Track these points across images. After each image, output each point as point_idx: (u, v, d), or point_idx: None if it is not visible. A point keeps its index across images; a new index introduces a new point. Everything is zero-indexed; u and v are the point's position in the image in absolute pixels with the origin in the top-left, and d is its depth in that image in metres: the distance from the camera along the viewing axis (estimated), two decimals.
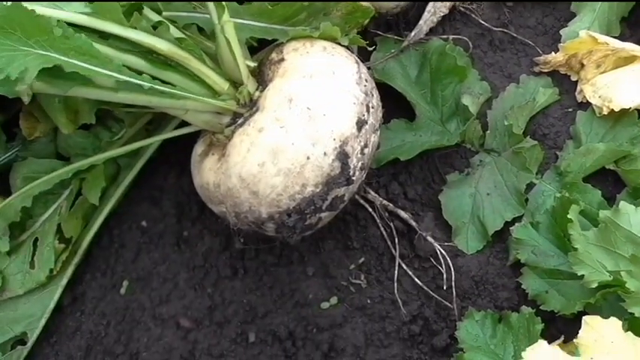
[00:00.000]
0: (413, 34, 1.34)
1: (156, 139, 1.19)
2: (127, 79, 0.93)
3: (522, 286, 1.14)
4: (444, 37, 1.34)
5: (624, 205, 1.03)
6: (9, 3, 0.83)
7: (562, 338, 1.06)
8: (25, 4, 0.85)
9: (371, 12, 1.17)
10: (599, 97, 1.24)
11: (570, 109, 1.31)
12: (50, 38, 0.86)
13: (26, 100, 0.94)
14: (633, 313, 0.95)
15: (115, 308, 1.24)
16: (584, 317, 0.93)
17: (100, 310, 1.24)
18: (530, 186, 1.22)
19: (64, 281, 1.23)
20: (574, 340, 0.92)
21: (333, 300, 1.20)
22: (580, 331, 0.92)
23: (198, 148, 1.14)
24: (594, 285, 1.00)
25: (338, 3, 1.12)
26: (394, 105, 1.30)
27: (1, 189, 1.25)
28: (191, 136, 1.15)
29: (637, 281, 0.93)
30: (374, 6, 1.29)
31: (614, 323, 0.92)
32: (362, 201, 1.21)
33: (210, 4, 1.01)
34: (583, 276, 1.01)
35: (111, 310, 1.24)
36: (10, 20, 0.84)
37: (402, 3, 1.32)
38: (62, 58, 0.87)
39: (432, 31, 1.36)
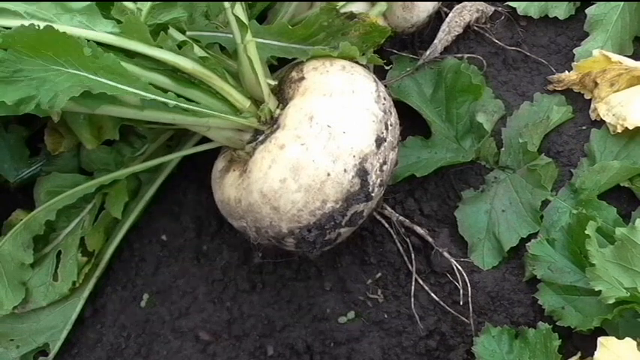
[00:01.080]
0: (428, 52, 1.36)
1: (177, 155, 1.22)
2: (153, 96, 0.95)
3: (538, 302, 1.15)
4: (459, 55, 1.37)
5: None
6: (41, 25, 0.86)
7: (579, 354, 1.06)
8: (55, 25, 0.87)
9: (387, 32, 1.19)
10: (613, 115, 1.26)
11: (584, 127, 1.32)
12: (80, 57, 0.89)
13: (56, 119, 0.96)
14: None
15: (135, 321, 1.25)
16: (599, 338, 0.94)
17: (120, 323, 1.26)
18: (545, 203, 1.24)
19: (86, 294, 1.25)
20: None
21: (351, 314, 1.21)
22: (595, 352, 0.93)
23: (219, 164, 1.16)
24: (611, 301, 1.01)
25: (356, 23, 1.14)
26: (410, 122, 1.32)
27: (25, 203, 1.27)
28: (209, 152, 1.17)
29: None
30: (390, 26, 1.32)
31: (629, 344, 0.93)
32: (379, 217, 1.23)
33: (234, 25, 1.03)
34: (600, 292, 1.02)
35: (131, 323, 1.25)
36: (42, 41, 0.86)
37: (417, 22, 1.34)
38: (91, 77, 0.89)
39: (446, 50, 1.39)
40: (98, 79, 0.91)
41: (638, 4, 1.35)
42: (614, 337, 0.94)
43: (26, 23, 0.85)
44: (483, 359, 1.10)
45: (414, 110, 1.33)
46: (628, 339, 0.94)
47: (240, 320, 1.22)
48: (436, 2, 1.35)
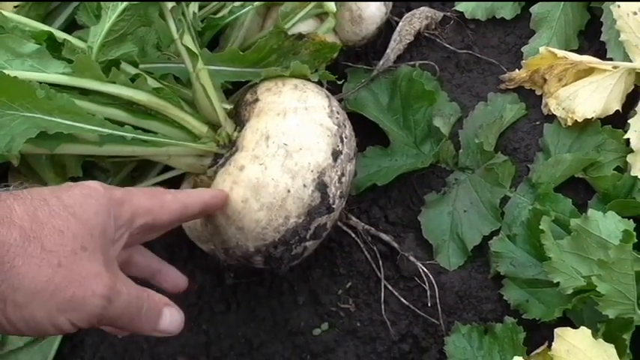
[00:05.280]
0: (381, 62, 1.39)
1: (142, 186, 1.23)
2: (110, 131, 0.97)
3: (504, 298, 1.18)
4: (412, 63, 1.40)
5: (593, 213, 1.08)
6: None
7: (546, 344, 1.09)
8: (7, 71, 0.89)
9: (338, 47, 1.22)
10: (563, 109, 1.30)
11: (538, 123, 1.36)
12: (34, 100, 0.90)
13: (16, 162, 0.97)
14: (607, 316, 0.99)
15: (114, 352, 1.26)
16: (555, 330, 0.98)
17: (99, 356, 1.27)
18: (505, 200, 1.27)
19: None
20: (548, 353, 0.96)
21: (324, 326, 1.23)
22: (553, 343, 0.97)
23: None
24: (570, 291, 1.04)
25: (305, 42, 1.17)
26: (369, 133, 1.35)
27: None
28: (173, 180, 1.19)
29: (607, 285, 0.97)
30: (341, 40, 1.35)
31: (585, 333, 0.96)
32: (345, 227, 1.25)
33: (184, 55, 1.05)
34: (559, 283, 1.05)
35: (110, 355, 1.26)
36: None
37: (368, 35, 1.37)
38: (47, 118, 0.91)
39: (399, 59, 1.42)
40: (53, 119, 0.92)
41: None
42: (569, 328, 0.97)
43: None
44: (455, 357, 1.13)
45: (372, 121, 1.36)
46: (583, 328, 0.97)
47: (218, 342, 1.24)
48: (384, 14, 1.38)
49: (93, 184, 0.83)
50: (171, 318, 0.88)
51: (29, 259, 0.71)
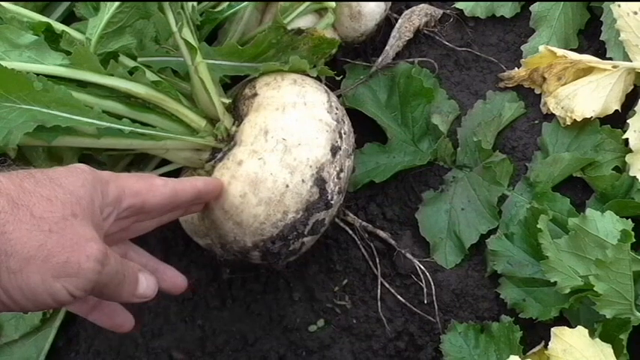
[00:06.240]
0: (380, 59, 1.39)
1: None
2: (108, 124, 0.97)
3: (501, 296, 1.18)
4: (411, 60, 1.39)
5: (591, 212, 1.08)
6: None
7: (542, 344, 1.09)
8: (4, 63, 0.88)
9: (337, 43, 1.22)
10: (562, 108, 1.29)
11: (536, 122, 1.36)
12: (31, 92, 0.89)
13: (12, 154, 0.97)
14: (604, 316, 0.99)
15: (108, 346, 1.26)
16: (552, 329, 0.98)
17: (94, 349, 1.26)
18: (502, 198, 1.27)
19: (58, 323, 1.25)
20: (545, 352, 0.96)
21: (320, 322, 1.23)
22: (550, 343, 0.97)
23: None
24: (567, 291, 1.04)
25: (304, 37, 1.17)
26: (367, 130, 1.35)
27: None
28: (170, 174, 1.18)
29: (604, 284, 0.97)
30: (340, 36, 1.35)
31: (581, 332, 0.97)
32: (342, 224, 1.25)
33: (183, 48, 1.05)
34: (556, 283, 1.05)
35: (105, 348, 1.26)
36: None
37: (367, 31, 1.36)
38: (44, 110, 0.90)
39: (398, 56, 1.41)
40: (51, 112, 0.91)
41: None
42: (566, 327, 0.97)
43: None
44: (451, 356, 1.13)
45: (371, 117, 1.36)
46: (580, 327, 0.97)
47: (213, 337, 1.24)
48: (384, 10, 1.37)
49: (79, 165, 0.82)
50: (147, 283, 0.88)
51: (20, 225, 0.70)
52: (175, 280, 1.02)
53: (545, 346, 1.06)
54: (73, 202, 0.76)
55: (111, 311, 0.98)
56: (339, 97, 1.33)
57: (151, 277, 0.89)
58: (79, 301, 0.84)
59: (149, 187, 0.89)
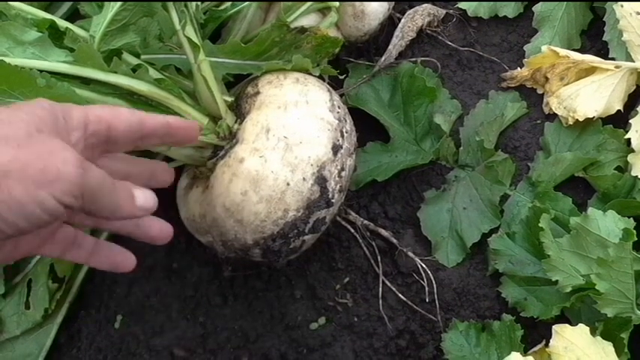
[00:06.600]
0: (383, 59, 1.39)
1: None
2: None
3: (502, 295, 1.18)
4: (413, 59, 1.40)
5: (593, 211, 1.08)
6: None
7: (543, 342, 1.09)
8: (8, 59, 0.89)
9: (340, 42, 1.22)
10: (564, 108, 1.30)
11: (539, 121, 1.36)
12: (34, 88, 0.89)
13: None
14: (606, 314, 0.99)
15: (110, 342, 1.26)
16: (554, 326, 0.98)
17: (96, 346, 1.27)
18: (505, 197, 1.27)
19: (60, 319, 1.25)
20: (546, 350, 0.96)
21: (322, 320, 1.23)
22: (551, 340, 0.97)
23: (183, 182, 1.18)
24: (568, 289, 1.04)
25: (308, 36, 1.17)
26: (369, 129, 1.35)
27: None
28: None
29: (606, 283, 0.97)
30: (343, 35, 1.35)
31: (583, 330, 0.97)
32: (344, 222, 1.25)
33: (186, 46, 1.05)
34: (557, 281, 1.05)
35: (106, 345, 1.26)
36: None
37: (370, 30, 1.37)
38: None
39: (401, 55, 1.42)
40: None
41: None
42: (567, 325, 0.97)
43: None
44: (452, 354, 1.13)
45: (373, 116, 1.36)
46: (581, 325, 0.97)
47: (214, 334, 1.24)
48: (387, 10, 1.38)
49: (39, 98, 0.80)
50: (144, 195, 0.84)
51: None
52: (162, 226, 0.98)
53: (546, 345, 1.06)
54: (36, 121, 0.73)
55: (110, 252, 0.95)
56: (341, 96, 1.33)
57: (146, 190, 0.84)
58: (76, 215, 0.84)
59: (114, 114, 0.84)
